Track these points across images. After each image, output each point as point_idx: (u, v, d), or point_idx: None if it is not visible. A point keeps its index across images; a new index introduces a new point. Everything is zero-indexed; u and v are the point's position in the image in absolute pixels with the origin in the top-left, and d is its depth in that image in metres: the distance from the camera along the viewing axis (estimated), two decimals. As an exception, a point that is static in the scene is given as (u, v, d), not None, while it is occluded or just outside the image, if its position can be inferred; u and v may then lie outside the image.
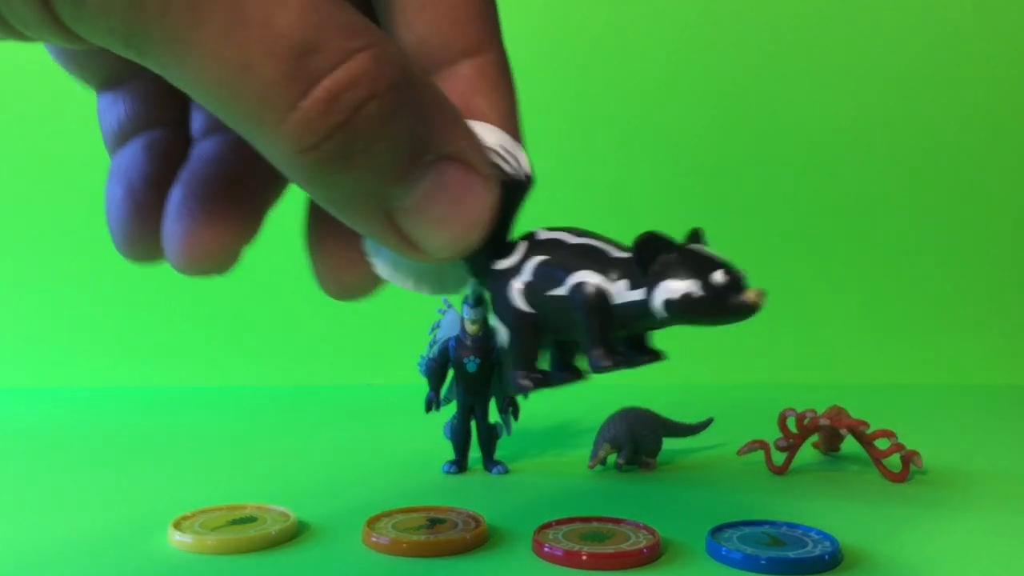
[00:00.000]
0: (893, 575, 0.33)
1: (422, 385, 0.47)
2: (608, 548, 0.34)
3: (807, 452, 0.50)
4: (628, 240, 0.22)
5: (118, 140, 0.25)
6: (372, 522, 0.37)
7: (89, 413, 0.66)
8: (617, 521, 0.37)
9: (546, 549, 0.34)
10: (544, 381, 0.24)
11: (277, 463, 0.50)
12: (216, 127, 0.24)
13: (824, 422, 0.47)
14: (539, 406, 0.52)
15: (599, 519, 0.38)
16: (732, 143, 0.80)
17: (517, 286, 0.23)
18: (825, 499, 0.43)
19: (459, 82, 0.22)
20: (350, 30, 0.18)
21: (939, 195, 0.80)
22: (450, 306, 0.47)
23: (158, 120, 0.24)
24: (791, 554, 0.33)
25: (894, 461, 0.46)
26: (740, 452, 0.48)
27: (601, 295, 0.22)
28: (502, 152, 0.22)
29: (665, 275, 0.21)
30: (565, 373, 0.24)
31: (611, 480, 0.46)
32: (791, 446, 0.47)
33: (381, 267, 0.23)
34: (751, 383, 0.75)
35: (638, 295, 0.21)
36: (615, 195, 0.78)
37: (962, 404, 0.69)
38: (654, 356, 0.23)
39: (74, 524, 0.39)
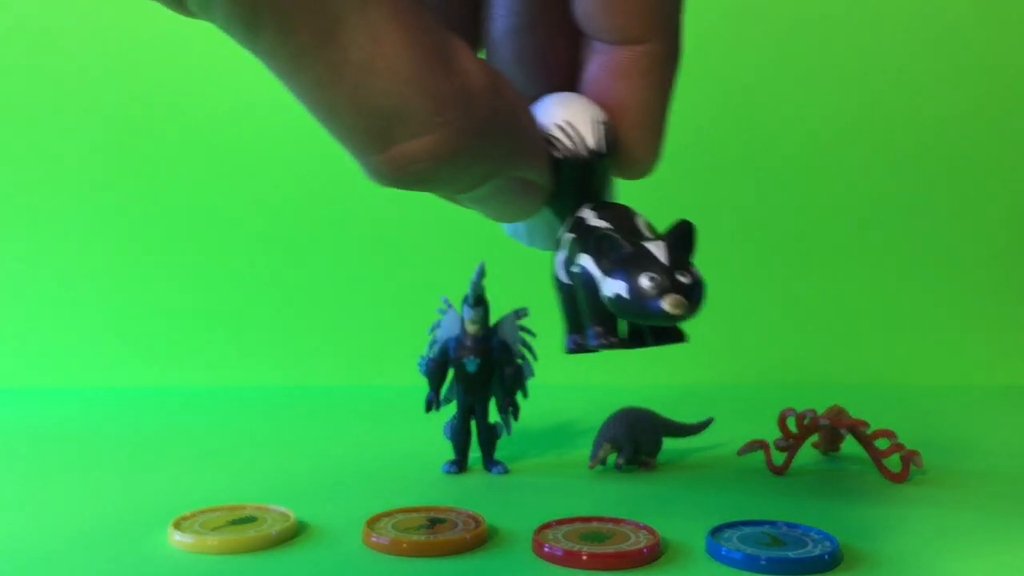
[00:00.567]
0: (893, 575, 0.33)
1: (422, 385, 0.47)
2: (608, 548, 0.34)
3: (807, 452, 0.50)
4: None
5: None
6: (372, 522, 0.37)
7: (89, 413, 0.66)
8: (617, 521, 0.37)
9: (546, 549, 0.34)
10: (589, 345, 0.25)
11: (277, 463, 0.50)
12: None
13: (824, 422, 0.47)
14: (539, 406, 0.52)
15: (599, 519, 0.38)
16: (732, 142, 0.80)
17: (559, 258, 0.25)
18: (825, 499, 0.43)
19: (613, 64, 0.23)
20: (441, 99, 0.19)
21: (939, 195, 0.80)
22: (450, 306, 0.47)
23: None
24: (791, 554, 0.33)
25: (894, 461, 0.46)
26: (740, 452, 0.48)
27: (590, 280, 0.23)
28: (567, 128, 0.23)
29: (610, 273, 0.22)
30: (626, 340, 0.25)
31: (611, 480, 0.46)
32: (791, 446, 0.47)
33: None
34: (751, 383, 0.75)
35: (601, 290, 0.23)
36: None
37: (962, 404, 0.69)
38: (668, 339, 0.24)
39: (74, 524, 0.39)
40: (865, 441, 0.47)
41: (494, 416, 0.47)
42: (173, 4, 0.18)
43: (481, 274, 0.44)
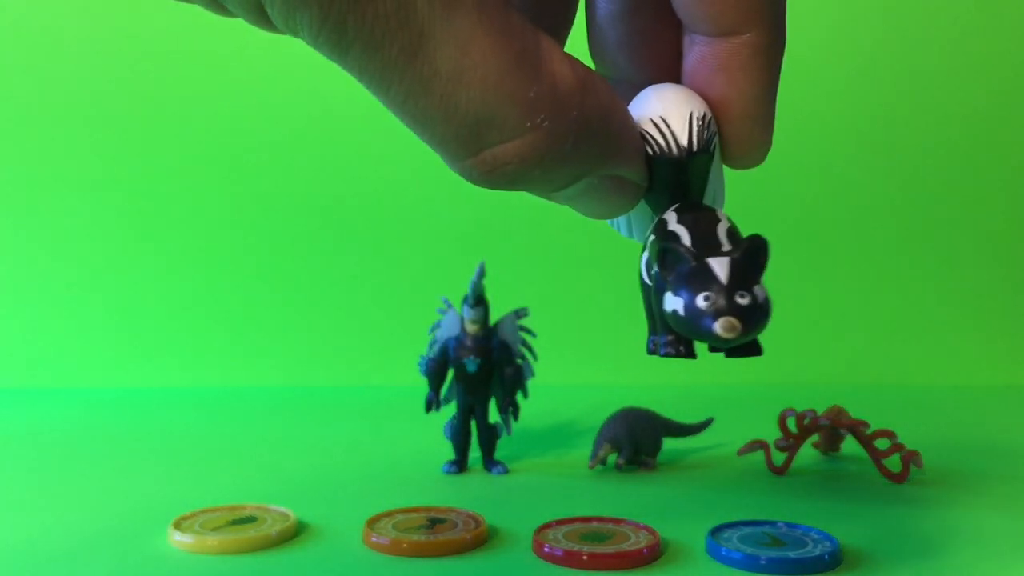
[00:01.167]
0: (893, 575, 0.33)
1: (422, 385, 0.47)
2: (608, 548, 0.34)
3: (807, 452, 0.50)
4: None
5: None
6: (372, 522, 0.37)
7: (89, 413, 0.66)
8: (617, 521, 0.37)
9: (546, 549, 0.34)
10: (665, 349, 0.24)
11: (277, 463, 0.50)
12: None
13: (824, 422, 0.47)
14: (539, 406, 0.52)
15: (599, 519, 0.38)
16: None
17: (644, 258, 0.25)
18: (825, 499, 0.43)
19: (711, 56, 0.23)
20: (530, 104, 0.19)
21: (939, 195, 0.80)
22: (450, 306, 0.47)
23: None
24: (791, 554, 0.33)
25: (894, 461, 0.46)
26: (740, 452, 0.48)
27: (660, 290, 0.23)
28: (660, 125, 0.23)
29: (672, 287, 0.22)
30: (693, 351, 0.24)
31: (611, 480, 0.46)
32: (791, 446, 0.47)
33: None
34: (751, 383, 0.75)
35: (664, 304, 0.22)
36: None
37: (962, 404, 0.69)
38: (742, 352, 0.23)
39: (74, 524, 0.39)
40: (865, 441, 0.47)
41: (494, 416, 0.47)
42: (259, 20, 0.18)
43: (481, 274, 0.44)
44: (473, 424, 0.47)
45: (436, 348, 0.47)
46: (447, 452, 0.48)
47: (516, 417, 0.47)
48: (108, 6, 0.77)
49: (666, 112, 0.23)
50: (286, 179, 0.78)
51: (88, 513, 0.40)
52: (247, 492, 0.42)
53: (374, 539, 0.35)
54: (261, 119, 0.77)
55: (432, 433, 0.49)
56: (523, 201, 0.86)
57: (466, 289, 0.45)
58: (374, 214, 0.78)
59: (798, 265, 0.80)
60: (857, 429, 0.46)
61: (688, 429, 0.51)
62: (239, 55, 0.77)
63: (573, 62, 0.20)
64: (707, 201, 0.25)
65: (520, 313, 0.47)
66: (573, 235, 0.78)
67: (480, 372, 0.46)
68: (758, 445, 0.48)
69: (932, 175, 0.80)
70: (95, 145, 0.78)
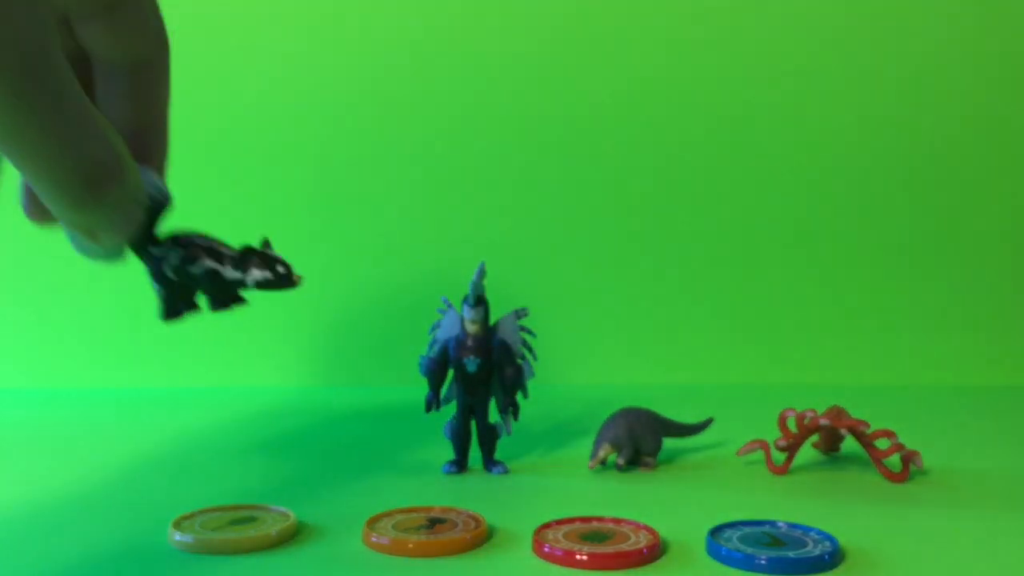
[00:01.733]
0: (893, 575, 0.33)
1: (422, 385, 0.47)
2: (608, 548, 0.34)
3: (807, 452, 0.50)
4: None
5: None
6: (372, 522, 0.37)
7: (89, 413, 0.66)
8: (617, 521, 0.37)
9: (546, 549, 0.34)
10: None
11: (277, 463, 0.50)
12: None
13: (824, 422, 0.47)
14: (539, 406, 0.52)
15: (599, 519, 0.38)
16: (733, 143, 0.80)
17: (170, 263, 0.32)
18: (825, 499, 0.43)
19: (130, 87, 0.29)
20: None
21: (939, 195, 0.80)
22: (450, 306, 0.47)
23: None
24: (791, 554, 0.33)
25: (894, 461, 0.46)
26: (740, 452, 0.48)
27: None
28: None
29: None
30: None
31: (611, 480, 0.46)
32: (791, 446, 0.47)
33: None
34: (751, 383, 0.75)
35: None
36: (616, 195, 0.78)
37: (962, 404, 0.69)
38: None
39: (74, 524, 0.39)
40: (865, 441, 0.47)
41: (494, 416, 0.47)
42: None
43: (481, 274, 0.44)
44: (473, 424, 0.47)
45: (436, 348, 0.47)
46: (447, 452, 0.48)
47: (516, 417, 0.47)
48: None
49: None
50: (285, 178, 0.78)
51: (88, 513, 0.40)
52: (247, 492, 0.42)
53: (374, 539, 0.35)
54: (261, 119, 0.77)
55: (432, 433, 0.49)
56: (524, 201, 0.86)
57: (466, 289, 0.45)
58: (373, 214, 0.78)
59: (798, 265, 0.80)
60: (857, 429, 0.46)
61: (688, 429, 0.51)
62: (236, 55, 0.77)
63: None
64: None
65: (520, 313, 0.47)
66: (573, 235, 0.78)
67: (480, 372, 0.46)
68: (758, 445, 0.48)
69: (932, 175, 0.80)
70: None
